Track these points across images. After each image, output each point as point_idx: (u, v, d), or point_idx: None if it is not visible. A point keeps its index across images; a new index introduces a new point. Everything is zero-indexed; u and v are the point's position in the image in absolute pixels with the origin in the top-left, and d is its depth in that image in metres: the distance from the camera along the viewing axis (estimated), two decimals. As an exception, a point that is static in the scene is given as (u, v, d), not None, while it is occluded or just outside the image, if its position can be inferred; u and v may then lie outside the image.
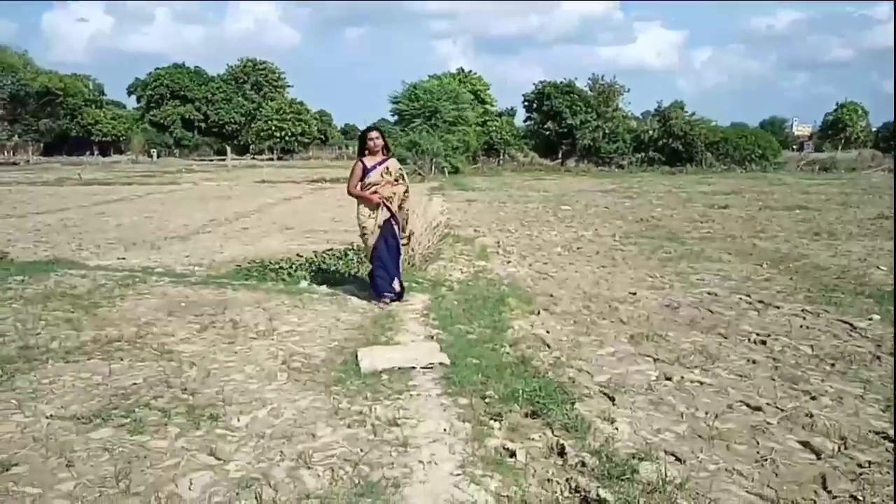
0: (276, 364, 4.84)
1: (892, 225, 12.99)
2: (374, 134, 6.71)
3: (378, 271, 6.69)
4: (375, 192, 6.58)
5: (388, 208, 6.61)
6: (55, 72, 66.47)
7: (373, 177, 6.61)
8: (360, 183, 6.63)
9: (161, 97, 73.95)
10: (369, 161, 6.66)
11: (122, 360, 4.90)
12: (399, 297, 6.72)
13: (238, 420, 3.85)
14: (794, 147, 66.77)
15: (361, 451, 3.47)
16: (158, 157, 61.54)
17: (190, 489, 3.11)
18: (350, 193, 6.78)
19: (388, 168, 6.68)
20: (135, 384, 4.40)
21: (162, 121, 72.53)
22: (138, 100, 77.22)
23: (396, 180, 6.71)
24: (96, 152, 64.38)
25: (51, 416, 3.88)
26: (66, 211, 15.86)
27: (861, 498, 3.06)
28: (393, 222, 6.68)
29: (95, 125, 66.41)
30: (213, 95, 75.07)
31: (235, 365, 4.82)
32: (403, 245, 7.00)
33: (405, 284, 7.02)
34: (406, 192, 6.83)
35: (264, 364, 4.84)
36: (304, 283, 7.61)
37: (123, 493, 3.06)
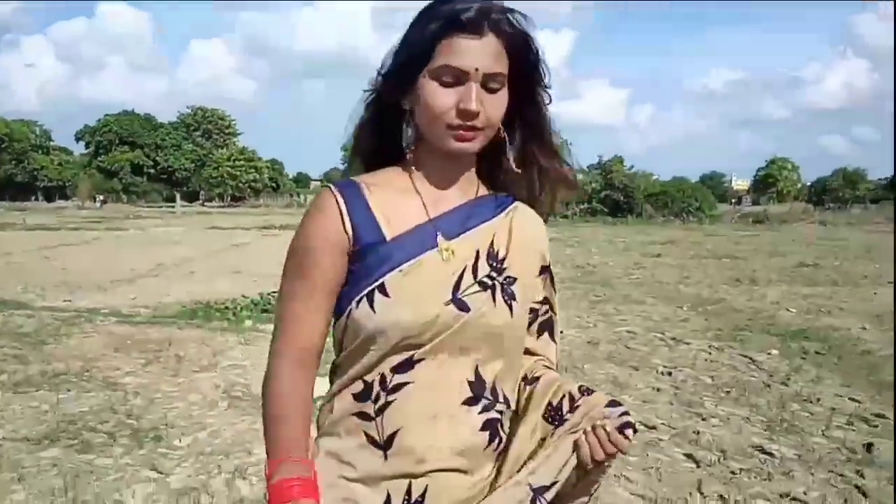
0: (218, 393, 5.17)
1: (812, 272, 13.88)
2: (471, 42, 1.03)
3: None
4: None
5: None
6: (1, 118, 65.68)
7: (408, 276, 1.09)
8: (327, 305, 1.14)
9: (110, 143, 73.49)
10: (401, 202, 1.15)
11: (69, 390, 5.16)
12: None
13: (180, 440, 4.17)
14: (733, 201, 69.48)
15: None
16: (105, 203, 60.84)
17: (133, 498, 3.43)
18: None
19: (492, 245, 1.16)
20: (81, 411, 4.67)
21: (110, 167, 71.92)
22: (87, 146, 76.55)
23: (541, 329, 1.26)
24: (41, 198, 63.36)
25: (2, 438, 4.14)
26: (10, 255, 15.79)
27: (727, 496, 3.55)
28: None
29: (41, 170, 65.54)
30: (163, 141, 74.97)
31: (178, 394, 5.13)
32: None
33: None
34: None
35: (206, 393, 5.16)
36: (248, 323, 7.92)
37: (71, 502, 3.36)
